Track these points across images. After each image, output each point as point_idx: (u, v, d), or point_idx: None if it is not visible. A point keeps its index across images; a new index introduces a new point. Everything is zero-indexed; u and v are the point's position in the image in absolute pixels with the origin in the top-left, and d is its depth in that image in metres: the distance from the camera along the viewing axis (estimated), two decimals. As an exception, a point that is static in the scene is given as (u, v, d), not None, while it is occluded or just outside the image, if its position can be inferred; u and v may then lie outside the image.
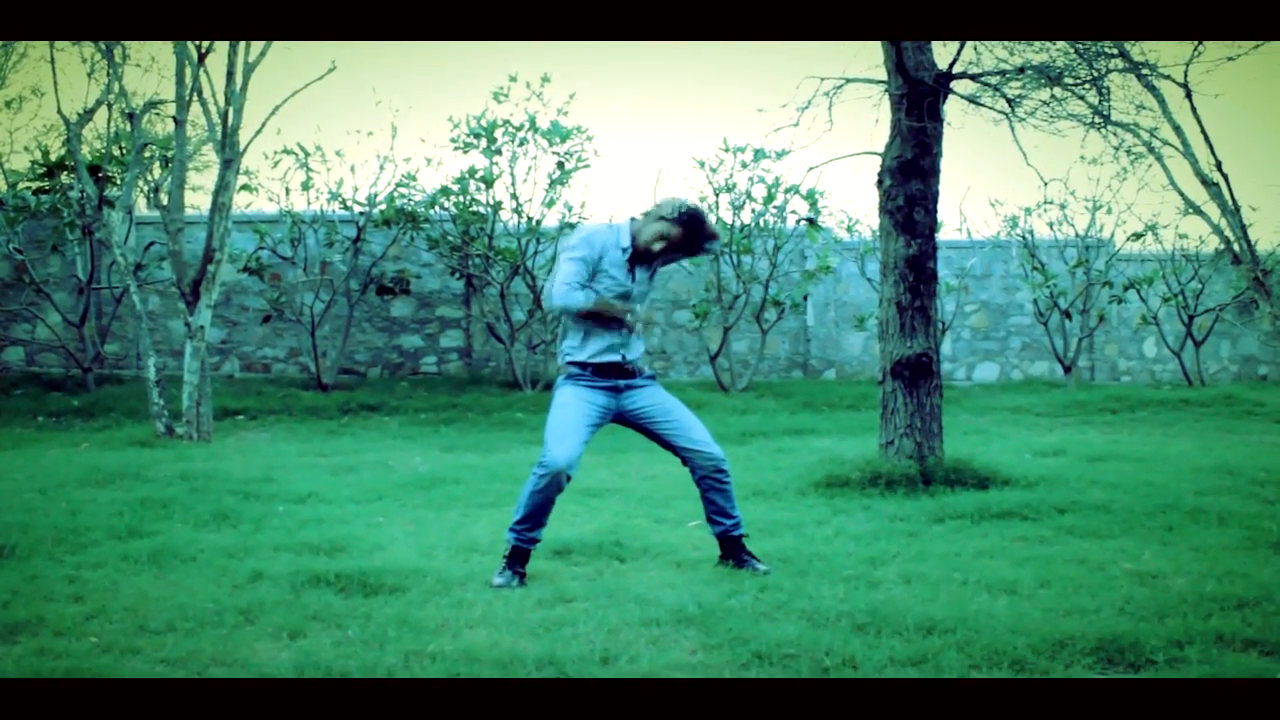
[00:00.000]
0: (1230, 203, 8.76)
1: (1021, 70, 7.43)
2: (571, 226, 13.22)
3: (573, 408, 5.00)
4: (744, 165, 13.75)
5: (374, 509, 6.66)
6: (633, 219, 5.11)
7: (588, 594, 4.68)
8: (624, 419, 5.14)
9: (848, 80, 7.66)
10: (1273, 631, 4.01)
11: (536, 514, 4.95)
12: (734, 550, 5.16)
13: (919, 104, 7.26)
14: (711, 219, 5.01)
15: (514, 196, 13.28)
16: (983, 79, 7.54)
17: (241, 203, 13.39)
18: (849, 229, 14.94)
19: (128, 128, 10.95)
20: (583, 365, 5.05)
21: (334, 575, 4.82)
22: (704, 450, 5.09)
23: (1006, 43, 7.47)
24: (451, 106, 28.62)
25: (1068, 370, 14.95)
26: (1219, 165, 8.63)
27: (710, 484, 5.13)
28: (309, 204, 13.47)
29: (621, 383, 5.08)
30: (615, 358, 5.05)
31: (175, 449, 9.14)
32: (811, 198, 13.83)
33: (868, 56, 11.00)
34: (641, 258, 5.08)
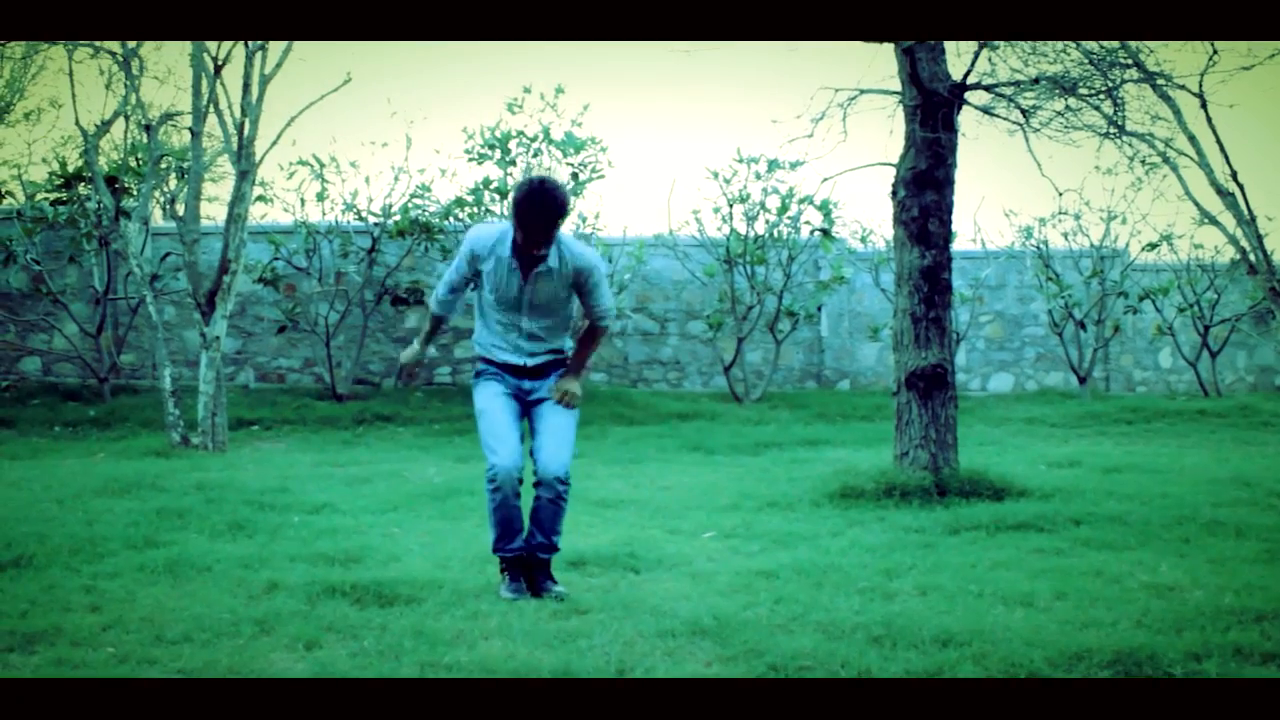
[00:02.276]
0: (1246, 212, 8.73)
1: (1036, 81, 7.42)
2: (586, 238, 13.25)
3: (495, 407, 4.97)
4: (758, 176, 13.76)
5: (389, 519, 6.67)
6: None
7: (603, 605, 4.68)
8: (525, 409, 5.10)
9: (862, 91, 7.67)
10: (1291, 645, 3.98)
11: (507, 525, 4.90)
12: (534, 568, 4.98)
13: (933, 115, 7.26)
14: (561, 186, 4.65)
15: (528, 207, 13.28)
16: (997, 90, 7.53)
17: (257, 213, 13.44)
18: (863, 239, 14.93)
19: (144, 139, 11.01)
20: (488, 361, 5.06)
21: (349, 586, 4.83)
22: (542, 464, 4.89)
23: (1021, 53, 7.46)
24: (466, 118, 28.71)
25: (1083, 381, 14.89)
26: (1234, 175, 8.59)
27: (540, 495, 4.94)
28: (324, 215, 13.52)
29: (526, 384, 5.04)
30: (517, 361, 5.02)
31: (191, 459, 9.17)
32: (825, 208, 13.82)
33: (882, 67, 11.01)
34: (528, 258, 4.82)
